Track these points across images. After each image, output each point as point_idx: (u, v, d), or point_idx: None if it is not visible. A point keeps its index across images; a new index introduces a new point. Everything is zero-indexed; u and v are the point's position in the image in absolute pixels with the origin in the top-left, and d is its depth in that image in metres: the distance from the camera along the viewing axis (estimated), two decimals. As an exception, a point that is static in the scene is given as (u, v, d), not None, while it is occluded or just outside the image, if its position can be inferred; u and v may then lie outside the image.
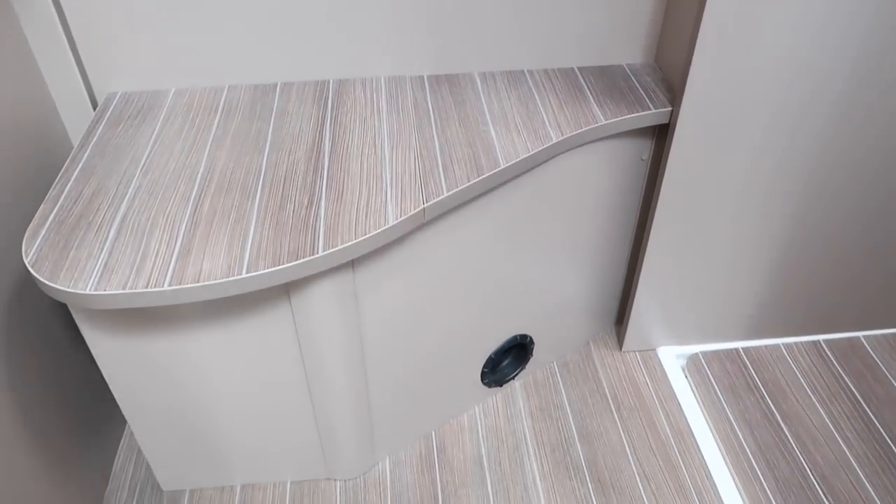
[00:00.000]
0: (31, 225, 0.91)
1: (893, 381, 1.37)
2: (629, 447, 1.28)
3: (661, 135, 1.19)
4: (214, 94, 1.17)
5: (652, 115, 1.12)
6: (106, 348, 0.97)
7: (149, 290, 0.82)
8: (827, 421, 1.30)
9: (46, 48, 1.10)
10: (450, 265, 1.09)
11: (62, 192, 0.96)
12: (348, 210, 0.93)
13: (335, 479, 1.24)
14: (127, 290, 0.82)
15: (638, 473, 1.24)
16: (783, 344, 1.45)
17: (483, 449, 1.29)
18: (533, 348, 1.36)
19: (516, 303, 1.26)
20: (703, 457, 1.26)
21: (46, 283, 0.83)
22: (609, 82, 1.19)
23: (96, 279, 0.83)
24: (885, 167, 1.19)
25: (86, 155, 1.03)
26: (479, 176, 0.98)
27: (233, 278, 0.83)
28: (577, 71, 1.22)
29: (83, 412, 1.18)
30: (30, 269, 0.84)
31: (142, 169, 1.00)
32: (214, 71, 1.17)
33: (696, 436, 1.29)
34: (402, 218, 0.92)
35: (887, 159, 1.18)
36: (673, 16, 1.15)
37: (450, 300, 1.14)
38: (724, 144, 1.12)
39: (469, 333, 1.23)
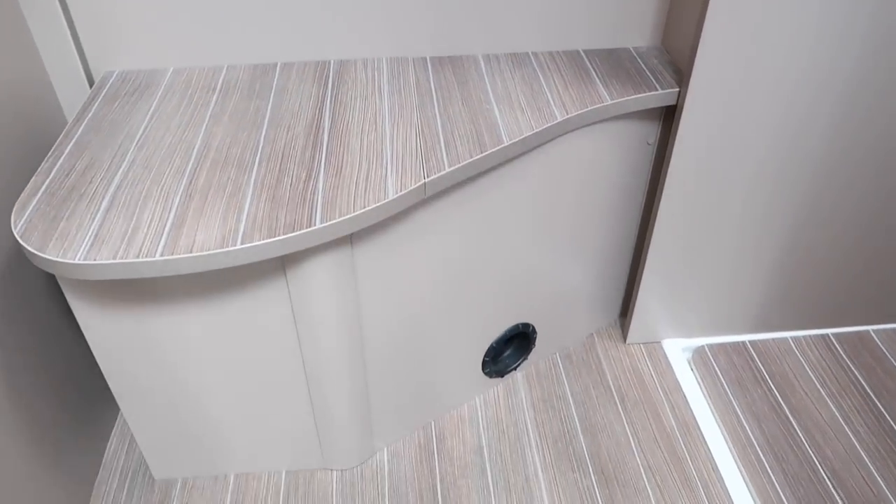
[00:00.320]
0: (20, 196, 0.88)
1: (904, 376, 1.34)
2: (633, 439, 1.25)
3: (668, 118, 1.17)
4: (213, 74, 1.15)
5: (659, 95, 1.09)
6: (96, 325, 0.95)
7: (139, 259, 0.79)
8: (837, 415, 1.27)
9: (43, 25, 1.08)
10: (451, 246, 1.06)
11: (54, 165, 0.94)
12: (347, 184, 0.90)
13: (331, 469, 1.21)
14: (117, 260, 0.79)
15: (642, 466, 1.21)
16: (791, 337, 1.42)
17: (484, 440, 1.25)
18: (535, 338, 1.33)
19: (519, 290, 1.23)
20: (709, 449, 1.23)
21: (35, 252, 0.80)
22: (615, 64, 1.16)
23: (86, 249, 0.80)
24: (897, 153, 1.17)
25: (80, 130, 1.01)
26: (481, 152, 0.96)
27: (227, 249, 0.81)
28: (582, 53, 1.20)
29: (76, 396, 1.15)
30: (18, 239, 0.82)
31: (137, 143, 0.98)
32: (213, 50, 1.15)
33: (702, 428, 1.26)
34: (403, 192, 0.89)
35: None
36: (680, -4, 1.13)
37: (451, 284, 1.11)
38: (732, 127, 1.10)
39: (470, 319, 1.20)
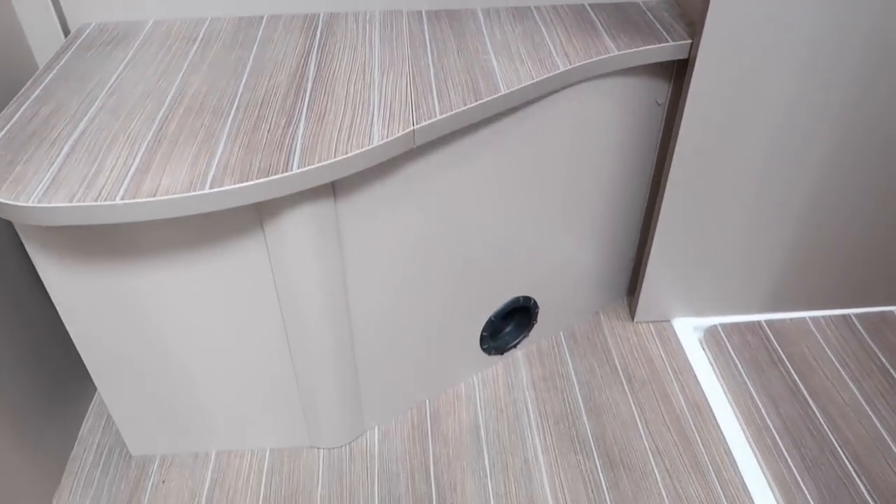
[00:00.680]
0: (-23, 141, 0.82)
1: (931, 358, 1.26)
2: (640, 421, 1.17)
3: (679, 77, 1.09)
4: (195, 25, 1.08)
5: (670, 47, 1.02)
6: (61, 283, 0.88)
7: (98, 203, 0.72)
8: (859, 397, 1.19)
9: None
10: (444, 206, 0.99)
11: (17, 110, 0.87)
12: (329, 130, 0.83)
13: (318, 448, 1.14)
14: (73, 203, 0.72)
15: (650, 448, 1.13)
16: (810, 317, 1.34)
17: (481, 419, 1.18)
18: (537, 313, 1.25)
19: (518, 259, 1.15)
20: (721, 432, 1.15)
21: (-15, 196, 0.74)
22: (622, 17, 1.09)
23: (41, 193, 0.74)
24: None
25: (49, 77, 0.95)
26: (476, 101, 0.89)
27: (194, 193, 0.74)
28: (587, 7, 1.12)
29: (50, 370, 1.09)
30: None
31: (107, 90, 0.91)
32: (196, 0, 1.08)
33: (713, 410, 1.18)
34: (389, 139, 0.82)
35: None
36: (694, -57, 1.05)
37: (445, 248, 1.04)
38: (748, 84, 1.02)
39: (466, 290, 1.12)
